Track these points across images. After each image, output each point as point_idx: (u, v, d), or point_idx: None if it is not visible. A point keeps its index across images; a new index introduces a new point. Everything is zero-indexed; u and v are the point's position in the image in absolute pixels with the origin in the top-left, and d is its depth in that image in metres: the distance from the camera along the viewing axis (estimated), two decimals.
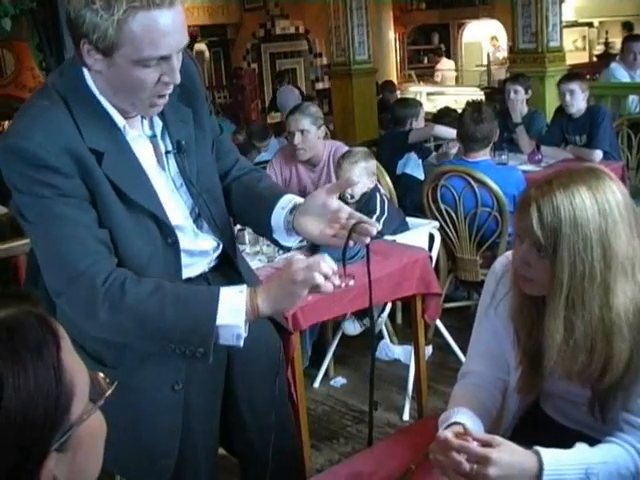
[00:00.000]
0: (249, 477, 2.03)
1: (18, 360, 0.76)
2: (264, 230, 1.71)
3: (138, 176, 1.56)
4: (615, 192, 1.40)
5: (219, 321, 1.43)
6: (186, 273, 1.68)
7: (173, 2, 1.39)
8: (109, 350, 1.60)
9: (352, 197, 3.42)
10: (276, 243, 1.72)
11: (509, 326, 1.59)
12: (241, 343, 1.47)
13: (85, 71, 1.50)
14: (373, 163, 3.57)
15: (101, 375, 0.88)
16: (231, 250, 1.79)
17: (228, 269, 1.79)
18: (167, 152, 1.63)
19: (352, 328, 3.65)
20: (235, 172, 1.83)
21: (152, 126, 1.63)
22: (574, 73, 5.26)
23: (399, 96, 8.94)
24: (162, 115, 1.61)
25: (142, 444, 1.69)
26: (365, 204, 3.36)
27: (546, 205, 1.38)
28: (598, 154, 4.57)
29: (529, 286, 1.48)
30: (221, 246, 1.75)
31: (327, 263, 1.44)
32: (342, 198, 3.37)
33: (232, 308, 1.43)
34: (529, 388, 1.59)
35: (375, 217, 3.36)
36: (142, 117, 1.61)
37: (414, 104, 5.36)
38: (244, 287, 1.48)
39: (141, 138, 1.60)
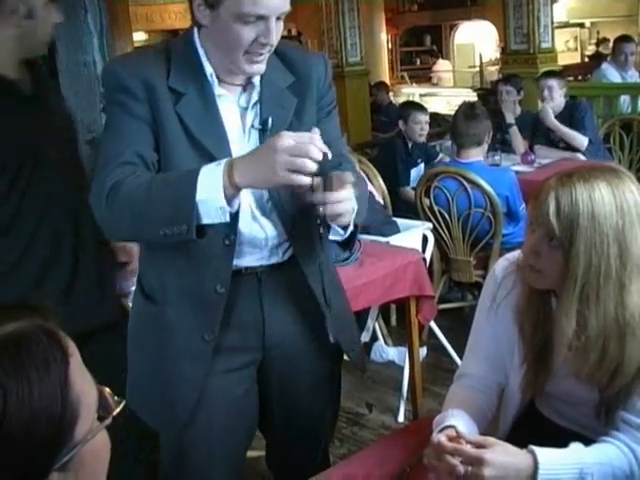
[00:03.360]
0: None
1: (23, 375, 0.75)
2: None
3: (214, 123, 1.61)
4: (634, 192, 1.40)
5: (198, 197, 1.42)
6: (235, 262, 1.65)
7: None
8: (152, 279, 1.72)
9: None
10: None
11: (510, 328, 1.58)
12: (227, 217, 1.45)
13: (195, 30, 1.62)
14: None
15: (108, 391, 0.87)
16: (299, 249, 1.70)
17: (291, 271, 1.71)
18: (252, 126, 1.65)
19: None
20: None
21: (248, 100, 1.66)
22: (552, 71, 5.33)
23: (392, 97, 8.97)
24: (260, 92, 1.65)
25: (164, 384, 1.71)
26: None
27: (565, 195, 1.38)
28: (583, 140, 4.68)
29: (535, 277, 1.47)
30: (285, 243, 1.70)
31: (317, 146, 1.40)
32: None
33: (210, 184, 1.42)
34: (533, 387, 1.59)
35: None
36: (242, 88, 1.65)
37: (406, 107, 5.29)
38: (223, 161, 1.45)
39: (229, 100, 1.64)
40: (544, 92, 4.86)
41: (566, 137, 4.77)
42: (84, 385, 0.81)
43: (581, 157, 4.66)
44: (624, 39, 6.02)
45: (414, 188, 4.46)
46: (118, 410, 0.86)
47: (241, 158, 1.47)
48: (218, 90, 1.62)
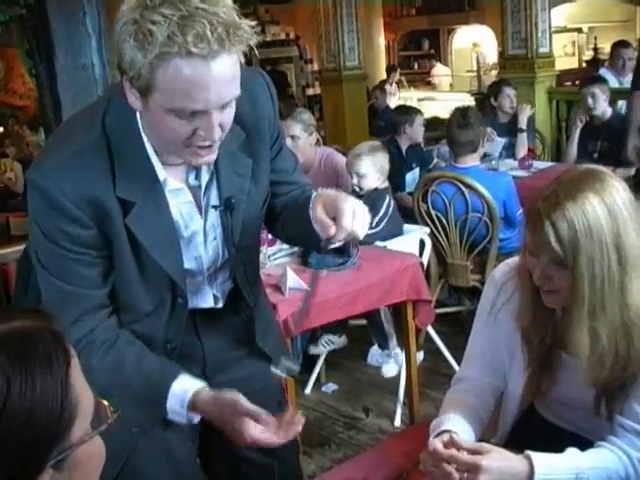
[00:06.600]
0: None
1: (27, 368, 0.77)
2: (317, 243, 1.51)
3: (166, 235, 1.46)
4: (619, 190, 1.41)
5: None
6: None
7: (219, 52, 1.20)
8: None
9: (361, 189, 3.45)
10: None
11: (510, 334, 1.58)
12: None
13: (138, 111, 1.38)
14: (381, 156, 3.58)
15: (105, 403, 0.88)
16: (253, 301, 1.67)
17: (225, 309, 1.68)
18: (214, 206, 1.51)
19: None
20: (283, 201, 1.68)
21: (198, 176, 1.49)
22: (595, 76, 5.32)
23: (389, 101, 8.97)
24: (215, 165, 1.47)
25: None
26: (373, 201, 3.32)
27: (559, 219, 1.37)
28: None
29: (553, 298, 1.47)
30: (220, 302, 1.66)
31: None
32: (352, 190, 3.39)
33: (174, 412, 1.46)
34: (537, 393, 1.59)
35: (377, 218, 3.36)
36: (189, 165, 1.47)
37: (409, 111, 5.33)
38: (186, 401, 1.45)
39: (182, 191, 1.47)
40: (588, 100, 4.80)
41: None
42: (82, 389, 0.83)
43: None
44: (623, 44, 6.04)
45: (410, 193, 4.47)
46: (114, 418, 0.87)
47: (204, 405, 1.44)
48: (169, 186, 1.44)
